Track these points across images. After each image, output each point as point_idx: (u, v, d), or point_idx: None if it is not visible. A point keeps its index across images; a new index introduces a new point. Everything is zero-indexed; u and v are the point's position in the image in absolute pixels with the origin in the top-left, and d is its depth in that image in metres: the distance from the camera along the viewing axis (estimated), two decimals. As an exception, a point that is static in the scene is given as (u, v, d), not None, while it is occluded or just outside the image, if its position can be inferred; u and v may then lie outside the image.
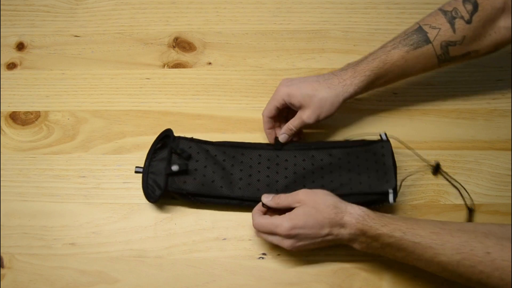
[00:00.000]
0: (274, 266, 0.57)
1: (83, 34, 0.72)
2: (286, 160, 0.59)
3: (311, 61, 0.69)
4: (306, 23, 0.72)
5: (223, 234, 0.58)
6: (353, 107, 0.65)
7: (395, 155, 0.57)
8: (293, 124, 0.58)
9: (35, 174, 0.62)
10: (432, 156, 0.61)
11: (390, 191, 0.54)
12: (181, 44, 0.71)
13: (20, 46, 0.71)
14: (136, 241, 0.58)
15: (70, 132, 0.65)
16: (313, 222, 0.49)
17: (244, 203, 0.57)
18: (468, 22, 0.53)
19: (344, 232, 0.50)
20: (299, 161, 0.58)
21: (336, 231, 0.50)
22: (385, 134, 0.59)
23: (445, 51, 0.55)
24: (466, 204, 0.59)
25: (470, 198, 0.59)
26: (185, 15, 0.73)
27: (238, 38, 0.71)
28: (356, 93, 0.57)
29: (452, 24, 0.54)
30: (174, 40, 0.71)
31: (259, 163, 0.58)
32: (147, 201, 0.59)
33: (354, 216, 0.49)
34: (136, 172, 0.59)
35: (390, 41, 0.57)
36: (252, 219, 0.54)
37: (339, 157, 0.58)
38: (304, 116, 0.56)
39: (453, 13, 0.54)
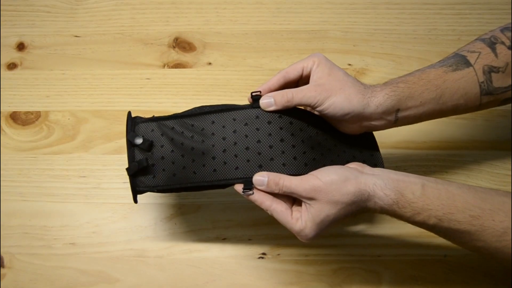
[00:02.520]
0: (274, 265, 0.57)
1: (84, 34, 0.72)
2: (269, 122, 0.46)
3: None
4: (306, 23, 0.72)
5: (223, 234, 0.59)
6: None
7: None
8: (294, 91, 0.46)
9: (36, 174, 0.62)
10: (432, 156, 0.62)
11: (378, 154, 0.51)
12: (181, 44, 0.71)
13: (21, 46, 0.72)
14: (136, 241, 0.58)
15: (70, 132, 0.65)
16: (335, 221, 0.43)
17: (225, 186, 0.47)
18: (510, 48, 0.48)
19: (368, 212, 0.44)
20: (284, 123, 0.46)
21: (361, 212, 0.44)
22: None
23: (488, 78, 0.48)
24: None
25: None
26: (185, 16, 0.73)
27: (238, 38, 0.71)
28: (385, 106, 0.46)
29: (493, 49, 0.48)
30: (174, 40, 0.71)
31: (234, 131, 0.46)
32: (147, 201, 0.59)
33: (380, 205, 0.42)
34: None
35: (424, 66, 0.50)
36: (268, 207, 0.44)
37: (329, 127, 0.49)
38: (313, 87, 0.45)
39: (492, 39, 0.49)
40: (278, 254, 0.57)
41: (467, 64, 0.48)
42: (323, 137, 0.48)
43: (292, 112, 0.47)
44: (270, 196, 0.44)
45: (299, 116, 0.47)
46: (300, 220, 0.43)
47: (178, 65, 0.70)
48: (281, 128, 0.46)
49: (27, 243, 0.59)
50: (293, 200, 0.46)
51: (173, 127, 0.48)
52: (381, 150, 0.61)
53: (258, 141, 0.45)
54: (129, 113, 0.50)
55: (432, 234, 0.44)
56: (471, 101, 0.49)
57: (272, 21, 0.72)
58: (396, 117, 0.47)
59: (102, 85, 0.68)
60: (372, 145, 0.52)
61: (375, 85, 0.47)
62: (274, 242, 0.58)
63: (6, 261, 0.58)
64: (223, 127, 0.47)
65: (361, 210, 0.43)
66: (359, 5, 0.73)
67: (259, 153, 0.45)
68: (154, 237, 0.59)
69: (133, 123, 0.49)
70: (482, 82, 0.48)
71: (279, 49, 0.70)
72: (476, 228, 0.41)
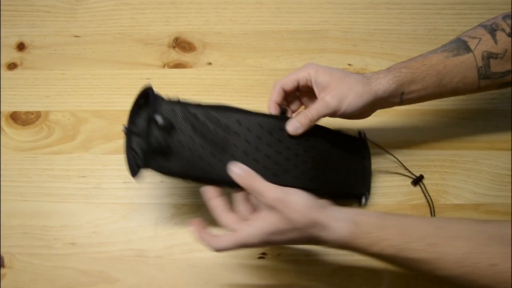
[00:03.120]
0: (274, 265, 0.57)
1: (84, 34, 0.72)
2: (290, 136, 0.49)
3: (311, 61, 0.69)
4: (306, 23, 0.72)
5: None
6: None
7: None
8: (313, 109, 0.49)
9: (36, 174, 0.62)
10: (432, 156, 0.62)
11: (366, 195, 0.58)
12: (181, 44, 0.71)
13: (21, 46, 0.72)
14: (136, 241, 0.58)
15: (70, 132, 0.65)
16: (284, 238, 0.43)
17: (238, 187, 0.47)
18: (509, 35, 0.51)
19: (325, 246, 0.44)
20: (301, 140, 0.50)
21: (313, 243, 0.45)
22: (364, 134, 0.60)
23: (486, 64, 0.51)
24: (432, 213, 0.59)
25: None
26: (185, 16, 0.73)
27: (238, 38, 0.71)
28: (392, 91, 0.50)
29: (493, 36, 0.51)
30: (174, 40, 0.71)
31: (257, 136, 0.48)
32: (147, 201, 0.59)
33: (336, 237, 0.42)
34: (122, 130, 0.48)
35: (427, 52, 0.53)
36: (209, 243, 0.45)
37: (332, 144, 0.53)
38: (328, 97, 0.48)
39: (493, 25, 0.51)
40: (278, 254, 0.57)
41: (467, 49, 0.51)
42: (329, 154, 0.53)
43: (310, 130, 0.50)
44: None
45: (314, 133, 0.51)
46: (250, 226, 0.43)
47: (178, 65, 0.70)
48: (298, 144, 0.49)
49: (27, 243, 0.59)
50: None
51: (197, 115, 0.47)
52: (380, 150, 0.61)
53: (278, 152, 0.48)
54: (151, 88, 0.47)
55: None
56: (470, 85, 0.52)
57: (272, 21, 0.72)
58: (401, 98, 0.52)
59: (102, 85, 0.68)
60: (366, 170, 0.58)
61: (378, 72, 0.51)
62: (274, 242, 0.58)
63: (6, 261, 0.58)
64: (248, 130, 0.48)
65: (315, 239, 0.43)
66: (359, 5, 0.73)
67: (276, 163, 0.48)
68: (154, 237, 0.59)
69: (156, 100, 0.46)
70: (481, 67, 0.51)
71: (279, 49, 0.70)
72: (435, 255, 0.40)
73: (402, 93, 0.51)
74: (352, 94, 0.48)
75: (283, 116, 0.51)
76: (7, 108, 0.67)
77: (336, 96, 0.48)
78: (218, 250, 0.45)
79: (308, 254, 0.57)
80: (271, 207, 0.43)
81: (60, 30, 0.72)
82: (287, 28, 0.71)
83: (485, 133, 0.63)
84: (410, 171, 0.60)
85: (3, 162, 0.63)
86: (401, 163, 0.60)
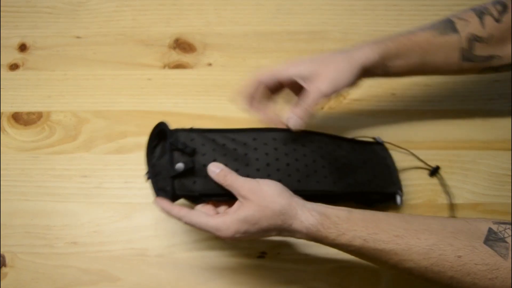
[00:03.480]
0: (274, 264, 0.57)
1: (85, 35, 0.72)
2: (303, 144, 0.52)
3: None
4: (305, 24, 0.72)
5: (223, 233, 0.59)
6: (352, 107, 0.66)
7: (393, 155, 0.59)
8: (309, 100, 0.49)
9: (37, 174, 0.63)
10: (430, 156, 0.62)
11: (399, 193, 0.56)
12: (182, 45, 0.72)
13: (23, 47, 0.72)
14: (137, 240, 0.59)
15: (72, 132, 0.65)
16: (257, 228, 0.43)
17: None
18: (498, 20, 0.51)
19: (295, 236, 0.45)
20: (315, 147, 0.52)
21: (285, 234, 0.45)
22: (379, 138, 0.61)
23: (470, 46, 0.52)
24: (451, 203, 0.59)
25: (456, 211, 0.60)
26: (185, 17, 0.74)
27: (238, 39, 0.71)
28: (376, 62, 0.51)
29: (481, 19, 0.52)
30: (174, 41, 0.72)
31: (275, 148, 0.50)
32: (148, 201, 0.59)
33: (305, 225, 0.43)
34: (148, 178, 0.50)
35: (416, 27, 0.54)
36: (179, 215, 0.46)
37: (348, 150, 0.55)
38: (321, 85, 0.48)
39: (483, 10, 0.52)
40: (278, 253, 0.58)
41: (454, 30, 0.52)
42: (347, 159, 0.54)
43: (321, 138, 0.54)
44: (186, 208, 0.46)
45: (327, 141, 0.54)
46: (222, 216, 0.44)
47: (178, 66, 0.70)
48: (312, 151, 0.51)
49: (29, 242, 0.59)
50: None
51: (214, 139, 0.49)
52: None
53: (296, 160, 0.50)
54: (164, 122, 0.50)
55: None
56: (452, 65, 0.53)
57: (272, 22, 0.73)
58: (385, 70, 0.52)
59: (103, 85, 0.69)
60: (391, 168, 0.59)
61: (362, 44, 0.52)
62: (274, 241, 0.58)
63: (8, 260, 0.58)
64: (265, 144, 0.50)
65: (286, 228, 0.44)
66: (358, 6, 0.73)
67: (298, 170, 0.49)
68: (155, 236, 0.59)
69: (172, 131, 0.49)
70: (464, 49, 0.52)
71: (279, 50, 0.71)
72: (402, 247, 0.40)
73: (386, 66, 0.52)
74: (341, 74, 0.49)
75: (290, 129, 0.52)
76: (9, 109, 0.67)
77: (327, 81, 0.49)
78: (186, 222, 0.46)
79: (307, 253, 0.57)
80: (245, 197, 0.44)
81: (62, 31, 0.73)
82: (287, 29, 0.72)
83: (484, 133, 0.64)
84: (426, 163, 0.61)
85: (5, 162, 0.64)
86: (417, 157, 0.61)
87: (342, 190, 0.52)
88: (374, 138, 0.61)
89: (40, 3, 0.75)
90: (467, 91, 0.67)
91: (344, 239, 0.42)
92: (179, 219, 0.46)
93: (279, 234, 0.45)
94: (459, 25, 0.52)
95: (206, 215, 0.45)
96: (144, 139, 0.64)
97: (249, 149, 0.49)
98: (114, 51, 0.71)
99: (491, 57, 0.53)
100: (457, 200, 0.60)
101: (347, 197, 0.54)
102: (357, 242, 0.41)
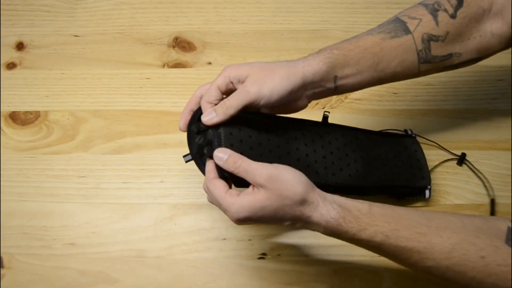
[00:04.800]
0: (274, 266, 0.57)
1: (83, 34, 0.72)
2: (336, 138, 0.52)
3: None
4: (306, 22, 0.72)
5: (223, 234, 0.58)
6: (354, 107, 0.65)
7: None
8: (232, 98, 0.43)
9: (35, 174, 0.62)
10: (432, 156, 0.62)
11: (428, 187, 0.57)
12: (181, 44, 0.71)
13: (20, 46, 0.71)
14: (135, 241, 0.58)
15: (69, 132, 0.65)
16: (272, 215, 0.41)
17: None
18: (452, 16, 0.48)
19: (311, 228, 0.42)
20: (347, 141, 0.53)
21: (299, 225, 0.42)
22: (411, 131, 0.61)
23: (426, 47, 0.48)
24: (489, 194, 0.59)
25: (492, 189, 0.59)
26: (185, 15, 0.73)
27: (238, 38, 0.71)
28: (323, 73, 0.46)
29: (434, 16, 0.48)
30: (174, 40, 0.71)
31: (312, 140, 0.50)
32: (147, 201, 0.58)
33: (325, 218, 0.40)
34: (187, 161, 0.47)
35: (362, 33, 0.49)
36: (206, 180, 0.43)
37: (379, 144, 0.56)
38: (250, 87, 0.43)
39: (436, 5, 0.48)
40: (278, 255, 0.57)
41: (406, 31, 0.48)
42: (378, 153, 0.55)
43: (353, 132, 0.54)
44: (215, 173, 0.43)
45: (358, 135, 0.54)
46: (238, 197, 0.41)
47: (178, 65, 0.69)
48: (345, 145, 0.52)
49: (27, 244, 0.58)
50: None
51: (250, 131, 0.46)
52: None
53: (331, 153, 0.51)
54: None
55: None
56: (410, 69, 0.49)
57: (272, 21, 0.72)
58: (335, 84, 0.47)
59: (101, 84, 0.68)
60: (421, 163, 0.59)
61: (307, 55, 0.47)
62: (274, 242, 0.58)
63: (5, 261, 0.58)
64: (303, 135, 0.49)
65: (304, 219, 0.41)
66: (359, 4, 0.73)
67: (333, 163, 0.50)
68: (154, 237, 0.58)
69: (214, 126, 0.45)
70: (420, 50, 0.48)
71: (279, 49, 0.70)
72: (424, 245, 0.39)
73: (336, 77, 0.46)
74: (275, 78, 0.43)
75: (325, 122, 0.52)
76: (6, 108, 0.67)
77: (257, 82, 0.43)
78: (207, 188, 0.43)
79: (308, 254, 0.57)
80: (262, 185, 0.40)
81: (60, 30, 0.72)
82: (287, 28, 0.71)
83: (486, 133, 0.63)
84: (452, 153, 0.61)
85: (2, 162, 0.63)
86: (442, 147, 0.61)
87: (374, 184, 0.52)
88: (405, 131, 0.62)
89: (38, 1, 0.74)
90: (470, 91, 0.66)
91: (365, 234, 0.40)
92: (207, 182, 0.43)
93: (292, 225, 0.42)
94: (410, 25, 0.48)
95: (226, 190, 0.42)
96: (142, 139, 0.64)
97: (289, 140, 0.48)
98: (112, 50, 0.70)
99: (450, 56, 0.49)
100: (460, 201, 0.59)
101: (378, 191, 0.55)
102: (379, 238, 0.40)
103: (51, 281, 0.56)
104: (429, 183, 0.57)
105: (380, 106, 0.65)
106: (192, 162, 0.46)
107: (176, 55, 0.70)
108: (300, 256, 0.57)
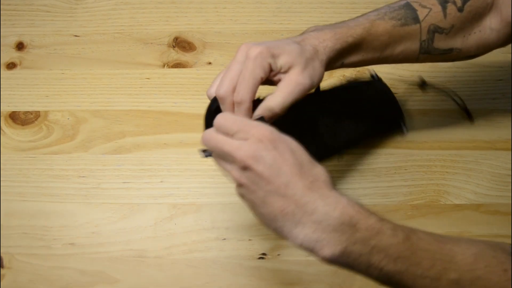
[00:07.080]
0: (274, 266, 0.57)
1: (83, 34, 0.72)
2: (325, 106, 0.58)
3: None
4: (306, 22, 0.72)
5: (223, 234, 0.58)
6: (353, 107, 0.65)
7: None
8: (285, 92, 0.43)
9: (35, 174, 0.62)
10: (433, 156, 0.62)
11: (401, 121, 0.62)
12: (181, 44, 0.71)
13: (20, 46, 0.71)
14: (136, 241, 0.58)
15: (69, 132, 0.65)
16: (280, 167, 0.36)
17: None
18: (460, 10, 0.48)
19: (321, 210, 0.35)
20: (335, 102, 0.59)
21: (311, 206, 0.35)
22: (375, 72, 0.64)
23: (430, 38, 0.48)
24: (459, 106, 0.63)
25: (463, 102, 0.63)
26: (185, 15, 0.73)
27: (238, 38, 0.71)
28: (335, 59, 0.47)
29: (443, 8, 0.48)
30: (174, 40, 0.71)
31: (313, 117, 0.57)
32: (147, 201, 0.58)
33: (343, 198, 0.36)
34: (206, 156, 0.43)
35: (372, 11, 0.49)
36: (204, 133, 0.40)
37: (349, 98, 0.61)
38: (300, 77, 0.43)
39: None
40: (278, 255, 0.57)
41: (416, 20, 0.48)
42: (351, 107, 0.60)
43: (330, 96, 0.59)
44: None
45: (332, 97, 0.60)
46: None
47: (178, 65, 0.69)
48: (340, 105, 0.60)
49: (27, 243, 0.58)
50: None
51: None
52: (382, 150, 0.62)
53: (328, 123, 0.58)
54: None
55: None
56: (409, 56, 0.50)
57: (272, 21, 0.72)
58: (342, 63, 0.48)
59: (101, 84, 0.68)
60: (388, 95, 0.63)
61: (323, 40, 0.46)
62: (275, 242, 0.58)
63: (5, 261, 0.58)
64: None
65: (314, 190, 0.36)
66: (360, 4, 0.73)
67: (335, 134, 0.59)
68: (154, 237, 0.58)
69: None
70: (424, 40, 0.49)
71: (279, 49, 0.70)
72: (447, 253, 0.35)
73: (343, 63, 0.48)
74: (315, 69, 0.44)
75: (317, 90, 0.53)
76: (6, 108, 0.67)
77: (306, 74, 0.43)
78: (204, 135, 0.40)
79: (308, 254, 0.57)
80: (260, 140, 0.37)
81: (60, 30, 0.72)
82: (287, 28, 0.71)
83: (486, 133, 0.63)
84: (467, 112, 0.64)
85: (2, 162, 0.63)
86: (456, 101, 0.64)
87: (359, 136, 0.59)
88: (371, 75, 0.64)
89: (38, 1, 0.74)
90: (470, 90, 0.66)
91: (386, 226, 0.35)
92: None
93: (297, 206, 0.36)
94: (420, 13, 0.48)
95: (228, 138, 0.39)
96: (142, 139, 0.64)
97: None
98: (112, 50, 0.70)
99: (450, 50, 0.50)
100: (459, 201, 0.59)
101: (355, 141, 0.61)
102: (400, 235, 0.35)
103: (51, 281, 0.56)
104: (401, 118, 0.61)
105: (380, 106, 0.66)
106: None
107: (176, 55, 0.70)
108: (300, 256, 0.57)
